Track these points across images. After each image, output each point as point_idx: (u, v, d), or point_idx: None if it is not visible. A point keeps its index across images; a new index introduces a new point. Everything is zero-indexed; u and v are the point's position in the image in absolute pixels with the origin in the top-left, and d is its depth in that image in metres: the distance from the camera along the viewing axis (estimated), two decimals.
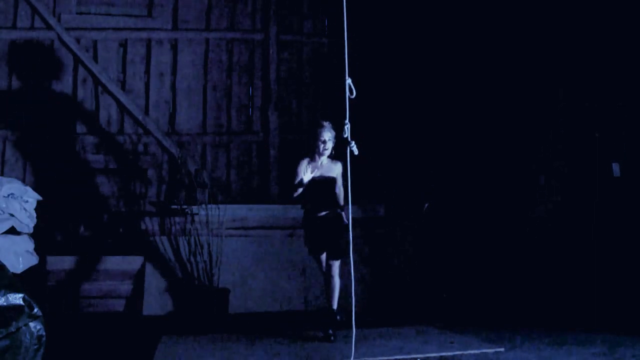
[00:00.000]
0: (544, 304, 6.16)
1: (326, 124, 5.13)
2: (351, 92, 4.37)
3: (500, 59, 7.17)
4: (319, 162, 5.14)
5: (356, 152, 4.63)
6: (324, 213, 5.14)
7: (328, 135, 5.07)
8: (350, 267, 4.21)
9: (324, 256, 5.20)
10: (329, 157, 5.17)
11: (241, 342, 4.99)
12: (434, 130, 7.56)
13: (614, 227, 6.06)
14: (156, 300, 6.58)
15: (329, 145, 5.09)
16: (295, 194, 5.09)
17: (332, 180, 5.17)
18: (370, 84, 7.76)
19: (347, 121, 4.44)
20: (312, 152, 5.15)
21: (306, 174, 4.98)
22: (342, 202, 5.25)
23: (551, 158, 6.80)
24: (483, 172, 7.24)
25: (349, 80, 4.37)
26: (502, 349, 4.50)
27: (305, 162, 5.09)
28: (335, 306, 5.09)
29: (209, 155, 7.67)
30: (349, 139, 4.52)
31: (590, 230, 6.24)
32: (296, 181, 5.03)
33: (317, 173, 5.09)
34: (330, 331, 5.01)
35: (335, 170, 5.19)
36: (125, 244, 6.96)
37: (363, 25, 7.88)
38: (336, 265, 5.07)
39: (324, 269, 5.21)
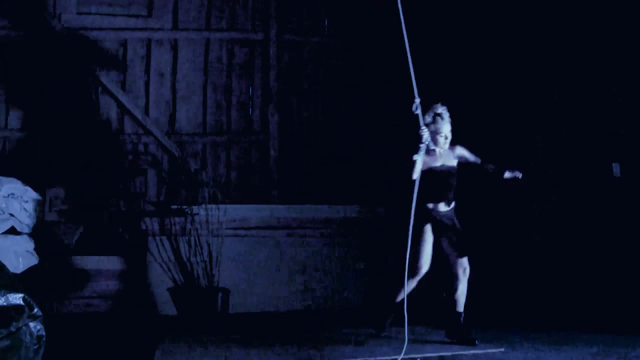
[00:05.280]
0: (543, 304, 6.16)
1: (442, 111, 4.92)
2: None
3: (498, 63, 7.17)
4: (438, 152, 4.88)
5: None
6: (445, 210, 4.92)
7: (447, 127, 4.89)
8: (405, 265, 4.23)
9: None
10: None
11: (241, 343, 4.98)
12: None
13: (614, 227, 6.05)
14: (156, 300, 6.58)
15: (449, 135, 4.87)
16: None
17: (453, 170, 4.91)
18: (371, 84, 7.82)
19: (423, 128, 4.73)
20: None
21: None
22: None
23: (550, 158, 6.79)
24: (482, 173, 7.22)
25: (418, 100, 4.71)
26: (502, 349, 4.49)
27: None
28: (461, 309, 4.85)
29: (209, 155, 7.66)
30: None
31: (589, 230, 6.23)
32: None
33: (437, 162, 4.91)
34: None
35: (452, 157, 4.93)
36: (125, 244, 6.96)
37: (366, 26, 7.91)
38: (466, 262, 4.79)
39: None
